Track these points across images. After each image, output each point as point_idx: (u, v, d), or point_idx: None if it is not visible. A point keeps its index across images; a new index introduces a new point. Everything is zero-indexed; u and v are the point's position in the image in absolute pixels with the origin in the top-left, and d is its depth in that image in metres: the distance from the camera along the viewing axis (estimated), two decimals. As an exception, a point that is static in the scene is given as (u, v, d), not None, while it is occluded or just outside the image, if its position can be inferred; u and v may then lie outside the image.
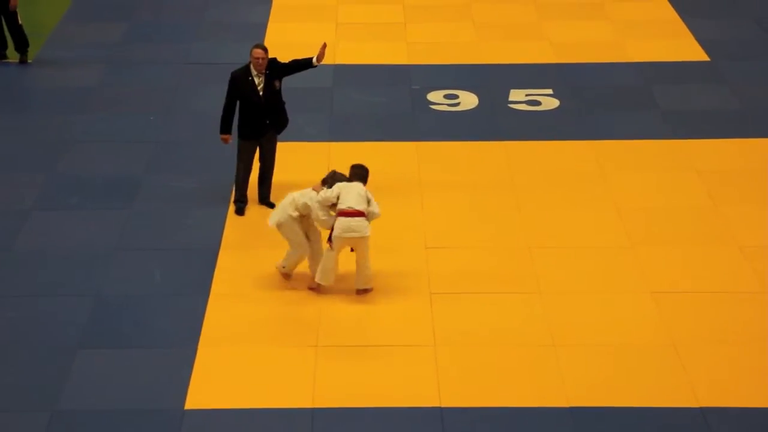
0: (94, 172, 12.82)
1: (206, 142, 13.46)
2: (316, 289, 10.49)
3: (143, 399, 9.13)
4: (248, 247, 11.31)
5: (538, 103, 14.57)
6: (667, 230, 11.60)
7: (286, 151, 13.27)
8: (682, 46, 16.34)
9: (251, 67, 11.61)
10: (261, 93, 11.59)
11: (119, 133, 13.77)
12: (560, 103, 14.58)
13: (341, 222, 10.15)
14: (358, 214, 10.13)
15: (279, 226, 10.43)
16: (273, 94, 11.71)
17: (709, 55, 15.99)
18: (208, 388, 9.26)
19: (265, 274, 10.85)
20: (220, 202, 12.08)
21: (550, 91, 14.84)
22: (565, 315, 10.21)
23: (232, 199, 11.98)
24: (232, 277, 10.80)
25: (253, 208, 12.00)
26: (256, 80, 11.59)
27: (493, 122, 14.07)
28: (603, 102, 14.62)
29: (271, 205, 11.78)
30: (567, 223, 11.63)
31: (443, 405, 9.08)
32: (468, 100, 14.68)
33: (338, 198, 10.16)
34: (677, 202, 12.13)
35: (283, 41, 16.53)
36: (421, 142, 13.48)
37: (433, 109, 14.47)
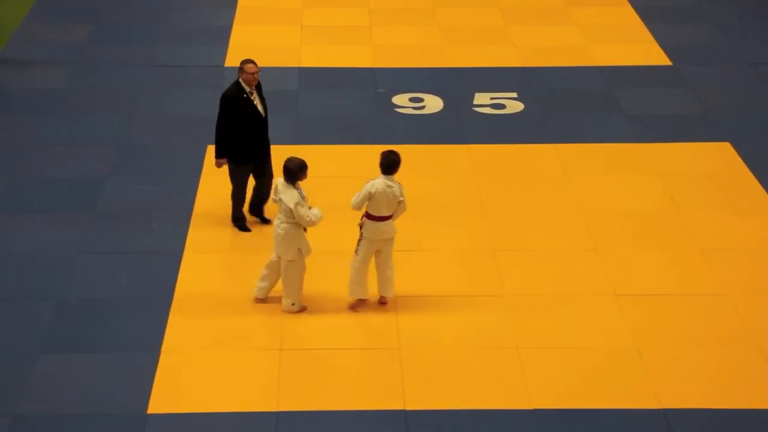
0: (57, 175, 12.73)
1: (171, 145, 13.42)
2: (356, 306, 10.26)
3: (105, 403, 9.07)
4: (213, 251, 11.27)
5: (503, 107, 14.64)
6: (630, 233, 11.69)
7: (250, 154, 13.26)
8: (645, 51, 16.48)
9: (242, 83, 11.06)
10: (261, 110, 11.20)
11: (83, 135, 13.69)
12: (525, 106, 14.65)
13: (371, 225, 10.02)
14: (388, 218, 10.04)
15: (292, 261, 10.08)
16: (265, 109, 11.34)
17: (671, 60, 16.14)
18: (171, 392, 9.22)
19: (230, 277, 10.82)
20: (184, 205, 12.03)
21: (514, 95, 14.91)
22: (529, 318, 10.26)
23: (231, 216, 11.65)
24: (196, 280, 10.76)
25: (220, 213, 11.95)
26: (251, 97, 11.13)
27: (458, 125, 14.12)
28: (567, 105, 14.71)
29: (266, 220, 11.57)
30: (531, 226, 11.70)
31: (408, 407, 9.10)
32: (433, 104, 14.73)
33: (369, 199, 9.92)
34: (640, 206, 12.23)
35: (249, 44, 16.53)
36: (386, 145, 13.45)
37: (399, 113, 14.49)
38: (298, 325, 10.11)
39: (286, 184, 9.99)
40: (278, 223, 10.12)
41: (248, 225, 11.61)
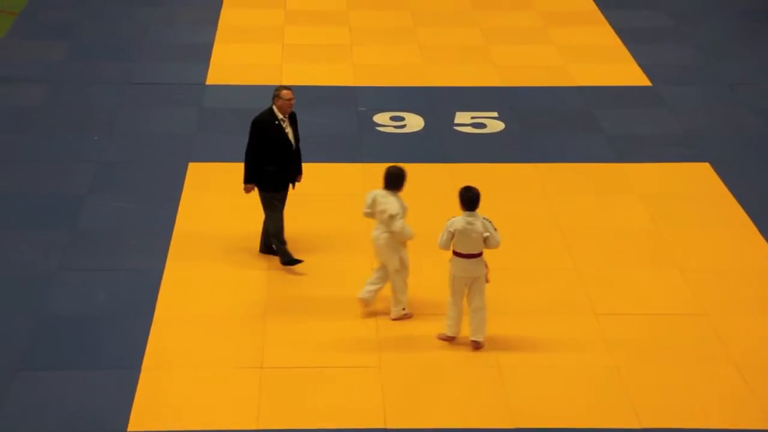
0: (36, 192, 12.66)
1: (151, 163, 13.38)
2: (444, 340, 10.13)
3: (85, 421, 9.00)
4: (193, 269, 11.23)
5: (484, 126, 14.68)
6: (610, 253, 11.73)
7: (231, 172, 13.23)
8: (625, 71, 16.58)
9: (276, 110, 10.79)
10: (291, 138, 10.97)
11: (62, 152, 13.63)
12: (505, 125, 14.70)
13: (456, 262, 9.84)
14: (476, 256, 9.86)
15: (398, 270, 10.19)
16: (297, 139, 11.11)
17: (650, 80, 16.25)
18: (151, 411, 9.15)
19: (211, 295, 10.78)
20: (165, 223, 11.99)
21: (495, 114, 14.97)
22: (510, 336, 10.26)
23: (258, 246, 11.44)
24: (177, 298, 10.71)
25: (200, 230, 11.91)
26: (283, 124, 10.88)
27: (439, 144, 14.15)
28: (547, 125, 14.77)
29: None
30: (511, 245, 11.69)
31: (388, 426, 9.07)
32: (414, 122, 14.76)
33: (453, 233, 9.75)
34: (620, 225, 12.28)
35: (230, 62, 16.54)
36: (367, 163, 13.50)
37: (379, 131, 14.52)
38: (279, 344, 10.07)
39: (387, 193, 10.00)
40: (378, 234, 10.16)
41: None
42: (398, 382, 9.60)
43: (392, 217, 10.05)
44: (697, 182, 13.30)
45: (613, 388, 9.59)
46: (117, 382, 9.47)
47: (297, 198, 12.67)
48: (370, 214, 10.31)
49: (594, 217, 12.42)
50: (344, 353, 9.99)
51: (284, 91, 10.86)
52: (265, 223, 11.24)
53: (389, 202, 10.12)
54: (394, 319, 10.36)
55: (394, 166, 10.26)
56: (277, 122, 10.84)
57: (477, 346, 9.98)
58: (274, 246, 11.23)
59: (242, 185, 11.14)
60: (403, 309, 10.39)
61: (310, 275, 11.14)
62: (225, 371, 9.69)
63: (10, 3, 18.62)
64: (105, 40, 17.28)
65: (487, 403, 9.36)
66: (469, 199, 9.81)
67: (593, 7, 19.18)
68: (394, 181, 10.18)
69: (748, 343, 10.22)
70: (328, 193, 12.80)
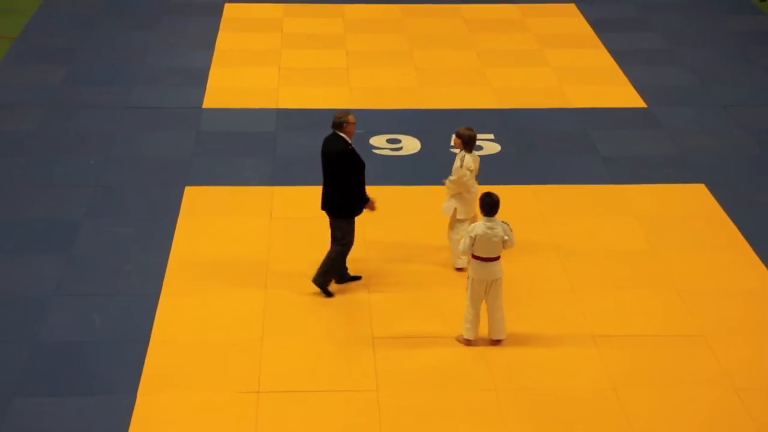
0: (32, 216, 12.66)
1: (148, 187, 13.38)
2: (465, 343, 10.35)
3: (80, 447, 8.97)
4: (189, 293, 11.22)
5: (480, 148, 14.67)
6: (607, 274, 11.73)
7: (228, 196, 13.26)
8: (620, 93, 16.63)
9: (345, 136, 10.82)
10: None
11: (58, 176, 13.63)
12: (501, 147, 14.73)
13: (476, 264, 10.17)
14: (494, 259, 10.16)
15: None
16: None
17: (645, 102, 16.29)
18: (147, 436, 9.13)
19: (207, 319, 10.76)
20: (161, 247, 11.98)
21: (491, 136, 14.99)
22: (507, 359, 10.25)
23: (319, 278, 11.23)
24: (173, 322, 10.69)
25: (197, 255, 11.91)
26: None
27: (436, 167, 14.14)
28: (543, 147, 14.80)
29: (356, 278, 11.39)
30: (508, 267, 11.67)
31: (385, 450, 9.04)
32: (410, 145, 14.78)
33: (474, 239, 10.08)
34: (616, 247, 12.28)
35: (227, 86, 16.57)
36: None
37: (376, 154, 14.53)
38: (276, 368, 10.05)
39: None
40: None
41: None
42: (396, 406, 9.57)
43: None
44: (692, 203, 13.32)
45: (611, 411, 9.57)
46: (113, 407, 9.44)
47: (292, 222, 12.68)
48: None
49: (590, 238, 12.43)
50: (342, 377, 9.97)
51: (350, 116, 10.90)
52: (336, 252, 11.05)
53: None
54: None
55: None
56: (352, 147, 10.90)
57: (498, 343, 10.34)
58: (323, 274, 11.08)
59: (360, 210, 11.07)
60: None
61: (307, 300, 11.13)
62: (222, 396, 9.66)
63: (6, 28, 18.69)
64: (101, 64, 17.32)
65: (484, 427, 9.33)
66: (489, 204, 10.14)
67: (588, 29, 19.26)
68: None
69: (745, 364, 10.21)
70: (324, 216, 12.78)
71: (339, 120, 10.86)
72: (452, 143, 11.69)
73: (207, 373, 9.96)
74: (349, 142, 10.89)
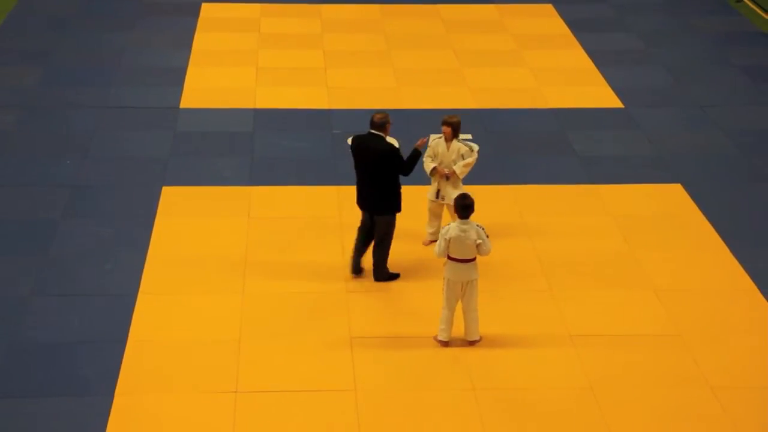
0: (9, 217, 12.59)
1: (125, 187, 13.33)
2: (441, 344, 10.38)
3: (57, 449, 8.93)
4: (167, 293, 11.19)
5: (458, 149, 14.72)
6: (584, 274, 11.77)
7: (205, 196, 13.23)
8: (597, 93, 16.70)
9: (384, 135, 11.14)
10: None
11: (35, 177, 13.56)
12: (479, 148, 14.73)
13: (450, 265, 10.21)
14: (469, 261, 10.17)
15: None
16: None
17: (623, 102, 16.37)
18: (124, 437, 9.10)
19: (185, 320, 10.74)
20: (139, 247, 11.94)
21: (469, 136, 15.01)
22: (485, 358, 10.27)
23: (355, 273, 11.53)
24: (151, 323, 10.66)
25: (175, 254, 11.87)
26: None
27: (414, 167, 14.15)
28: (521, 147, 14.84)
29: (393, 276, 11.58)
30: (485, 266, 11.72)
31: (364, 450, 9.05)
32: (388, 145, 14.77)
33: (449, 240, 10.11)
34: (594, 246, 12.33)
35: (204, 86, 16.53)
36: (341, 186, 13.52)
37: (354, 154, 14.51)
38: (254, 368, 10.04)
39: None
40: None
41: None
42: (374, 405, 9.58)
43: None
44: (669, 203, 13.39)
45: (588, 410, 9.61)
46: (90, 408, 9.40)
47: (270, 222, 12.67)
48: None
49: (568, 239, 12.47)
50: (319, 376, 9.97)
51: (390, 117, 11.22)
52: (383, 247, 11.35)
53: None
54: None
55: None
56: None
57: (474, 344, 10.37)
58: (378, 268, 11.42)
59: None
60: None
61: (284, 300, 11.12)
62: (199, 396, 9.64)
63: (-18, 27, 18.59)
64: (79, 64, 17.24)
65: (462, 426, 9.36)
66: (462, 207, 10.16)
67: (566, 30, 19.33)
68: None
69: (721, 364, 10.27)
70: (302, 215, 12.79)
71: (381, 120, 11.14)
72: (440, 134, 11.94)
73: (185, 373, 9.93)
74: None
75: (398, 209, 11.35)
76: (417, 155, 11.30)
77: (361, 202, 11.37)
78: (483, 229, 10.23)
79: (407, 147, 14.68)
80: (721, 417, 9.57)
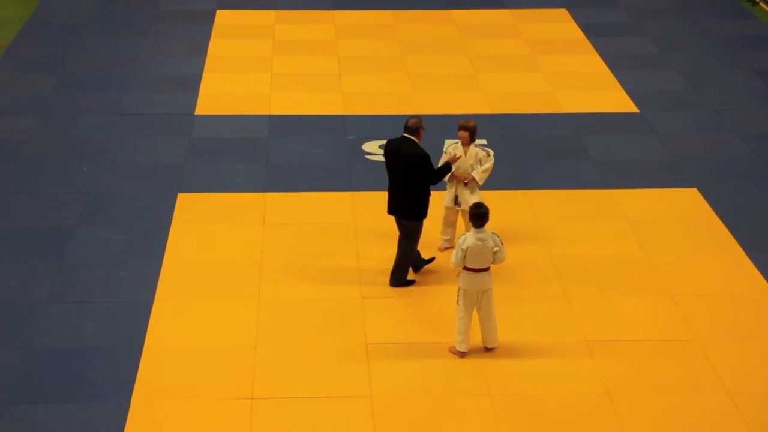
0: (24, 224, 12.63)
1: (141, 194, 13.36)
2: (458, 355, 10.33)
3: (74, 455, 8.95)
4: (183, 299, 11.20)
5: (472, 154, 14.70)
6: (600, 279, 11.74)
7: (220, 202, 13.25)
8: (612, 98, 16.66)
9: (418, 141, 11.12)
10: None
11: (50, 184, 13.61)
12: (494, 153, 14.70)
13: (465, 275, 10.18)
14: (484, 270, 10.18)
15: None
16: None
17: (637, 107, 16.32)
18: (141, 444, 9.11)
19: (200, 326, 10.75)
20: (154, 254, 11.96)
21: (484, 142, 14.98)
22: (501, 365, 10.25)
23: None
24: (167, 329, 10.67)
25: (190, 261, 11.89)
26: None
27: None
28: (536, 152, 14.81)
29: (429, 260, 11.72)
30: (501, 272, 11.70)
31: (380, 457, 9.03)
32: (403, 151, 14.76)
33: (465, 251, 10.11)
34: (609, 251, 12.29)
35: (219, 92, 16.56)
36: (356, 192, 13.52)
37: (368, 159, 14.53)
38: (270, 375, 10.04)
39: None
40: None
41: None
42: (390, 411, 9.57)
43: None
44: (685, 207, 13.34)
45: (605, 416, 9.57)
46: (106, 414, 9.42)
47: (285, 228, 12.68)
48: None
49: (583, 244, 12.43)
50: (335, 383, 9.97)
51: (423, 122, 11.19)
52: (406, 252, 11.36)
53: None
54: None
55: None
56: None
57: (491, 350, 10.36)
58: (395, 272, 11.44)
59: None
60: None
61: (300, 306, 11.12)
62: (215, 402, 9.64)
63: (-2, 35, 18.69)
64: (93, 71, 17.30)
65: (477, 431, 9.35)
66: (477, 216, 10.16)
67: (580, 34, 19.29)
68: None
69: (738, 369, 10.22)
70: (317, 221, 12.79)
71: (416, 125, 11.15)
72: (456, 140, 11.99)
73: (200, 380, 9.94)
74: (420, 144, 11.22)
75: (424, 215, 11.29)
76: (448, 169, 11.31)
77: (389, 205, 11.36)
78: (498, 236, 10.24)
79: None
80: (738, 423, 9.52)
